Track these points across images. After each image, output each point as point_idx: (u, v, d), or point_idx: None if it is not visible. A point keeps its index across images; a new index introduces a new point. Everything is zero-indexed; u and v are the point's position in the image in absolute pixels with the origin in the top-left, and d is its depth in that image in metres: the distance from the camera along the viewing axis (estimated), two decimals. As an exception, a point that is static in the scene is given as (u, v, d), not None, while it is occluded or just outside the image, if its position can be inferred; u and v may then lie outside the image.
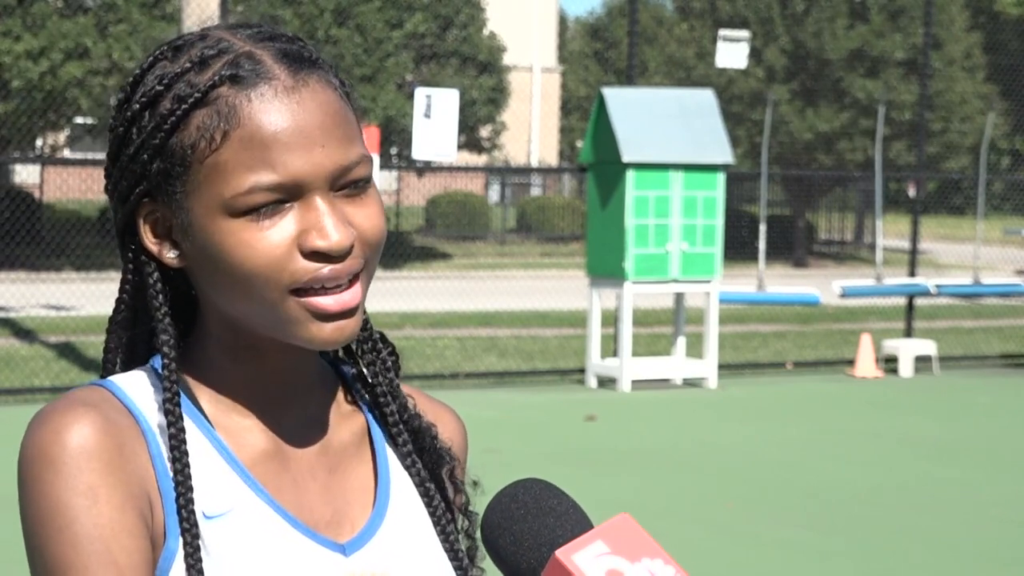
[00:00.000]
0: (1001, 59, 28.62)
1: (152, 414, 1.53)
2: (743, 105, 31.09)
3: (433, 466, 1.66)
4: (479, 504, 1.68)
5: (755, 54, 29.55)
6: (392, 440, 1.65)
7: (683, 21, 34.23)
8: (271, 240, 1.49)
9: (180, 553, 1.48)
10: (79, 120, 25.76)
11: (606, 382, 14.02)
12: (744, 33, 15.91)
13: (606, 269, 13.74)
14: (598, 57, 46.14)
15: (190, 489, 1.48)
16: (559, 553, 1.36)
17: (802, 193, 32.88)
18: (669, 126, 13.82)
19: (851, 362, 15.69)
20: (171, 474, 1.50)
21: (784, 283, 21.75)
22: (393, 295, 18.63)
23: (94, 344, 15.38)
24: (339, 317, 1.51)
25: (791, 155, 31.78)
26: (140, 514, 1.48)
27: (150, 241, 1.56)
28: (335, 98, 1.54)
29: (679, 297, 14.31)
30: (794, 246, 32.56)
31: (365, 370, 1.66)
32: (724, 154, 13.94)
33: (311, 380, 1.62)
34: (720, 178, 13.99)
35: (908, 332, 16.56)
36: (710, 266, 13.91)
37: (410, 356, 15.22)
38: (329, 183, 1.51)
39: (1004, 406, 13.73)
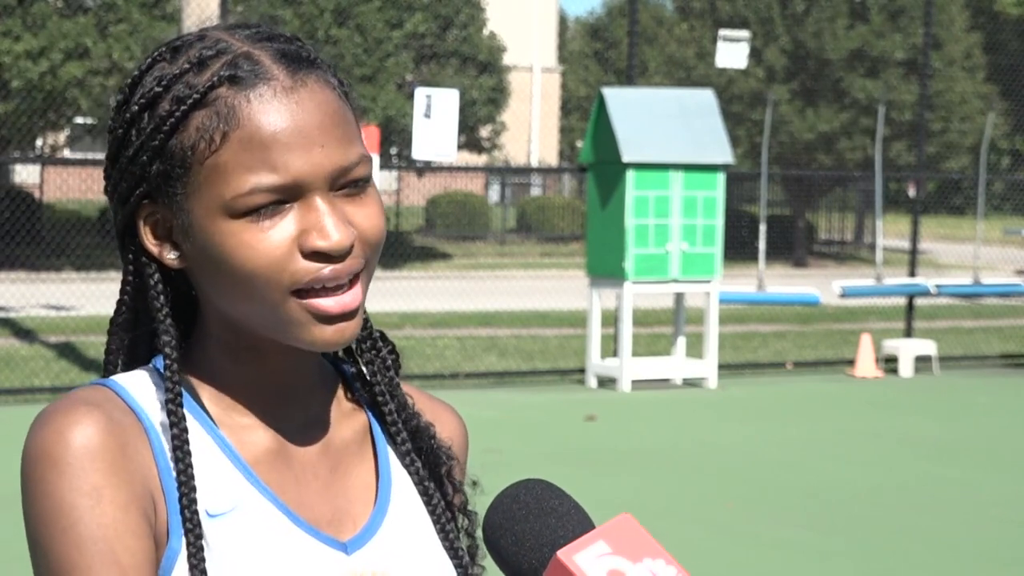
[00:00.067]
0: (1001, 59, 28.63)
1: (155, 413, 1.53)
2: (743, 105, 31.09)
3: (432, 465, 1.66)
4: (479, 504, 1.68)
5: (755, 54, 29.55)
6: (391, 439, 1.65)
7: (683, 21, 34.24)
8: (272, 241, 1.49)
9: (183, 552, 1.49)
10: (79, 120, 25.76)
11: (606, 382, 14.02)
12: (744, 33, 15.91)
13: (606, 269, 13.74)
14: (598, 57, 46.14)
15: (193, 489, 1.49)
16: (561, 553, 1.36)
17: (802, 193, 32.88)
18: (669, 126, 13.82)
19: (851, 362, 15.69)
20: (174, 473, 1.50)
21: (784, 283, 21.75)
22: (393, 295, 18.63)
23: (94, 344, 15.38)
24: (340, 319, 1.52)
25: (791, 155, 31.78)
26: (144, 514, 1.48)
27: (150, 242, 1.56)
28: (334, 98, 1.54)
29: (679, 297, 14.31)
30: (794, 246, 32.56)
31: (364, 369, 1.66)
32: (724, 154, 13.94)
33: (312, 379, 1.62)
34: (720, 178, 13.99)
35: (908, 332, 16.56)
36: (710, 266, 13.91)
37: (410, 356, 15.22)
38: (329, 183, 1.51)
39: (1004, 406, 13.73)
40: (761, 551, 8.09)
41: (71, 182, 30.89)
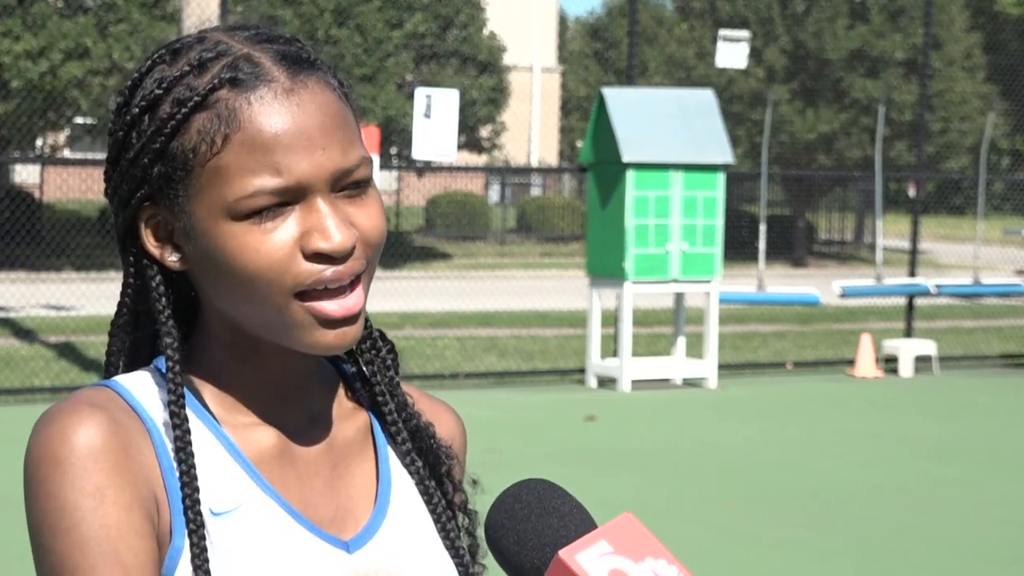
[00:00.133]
0: (1001, 59, 28.63)
1: (157, 413, 1.53)
2: (743, 105, 31.09)
3: (433, 465, 1.67)
4: (479, 503, 1.69)
5: (755, 54, 29.55)
6: (392, 439, 1.65)
7: (683, 21, 34.23)
8: (274, 242, 1.50)
9: (187, 551, 1.49)
10: (79, 120, 25.76)
11: (606, 382, 14.02)
12: (744, 33, 15.91)
13: (606, 269, 13.74)
14: (598, 57, 46.13)
15: (196, 489, 1.49)
16: (562, 553, 1.36)
17: (802, 193, 32.88)
18: (669, 126, 13.82)
19: (851, 362, 15.70)
20: (177, 473, 1.50)
21: (784, 283, 21.75)
22: (393, 295, 18.63)
23: (94, 344, 15.38)
24: (343, 323, 1.52)
25: (791, 155, 31.78)
26: (147, 514, 1.48)
27: (152, 245, 1.56)
28: (334, 99, 1.54)
29: (679, 297, 14.31)
30: (794, 246, 32.56)
31: (365, 369, 1.66)
32: (724, 154, 13.94)
33: (312, 380, 1.62)
34: (720, 178, 14.00)
35: (908, 332, 16.56)
36: (710, 266, 13.91)
37: (410, 356, 15.22)
38: (330, 185, 1.51)
39: (1004, 406, 13.73)
40: (761, 551, 8.09)
41: (71, 182, 30.89)
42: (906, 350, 15.54)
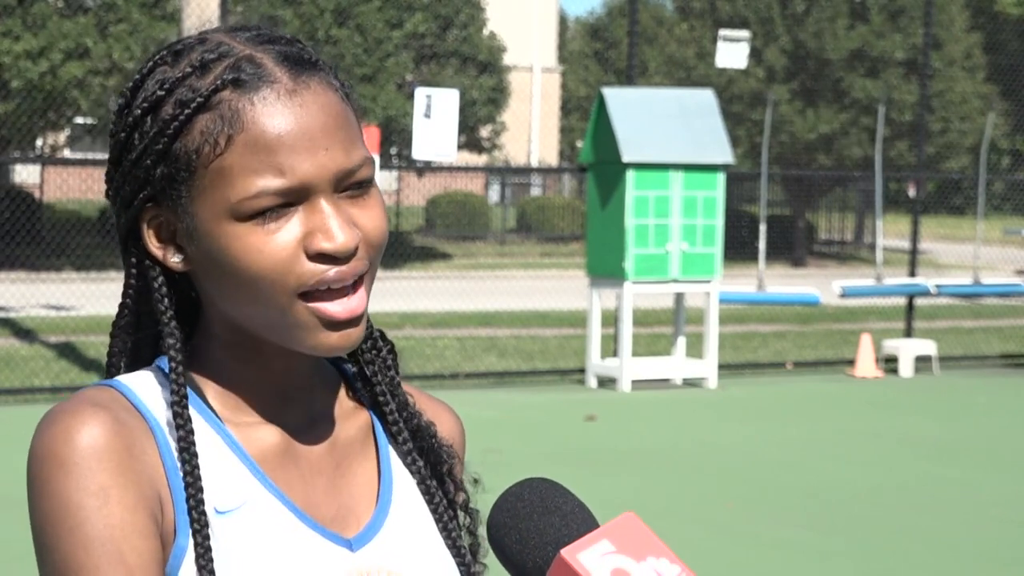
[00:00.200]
0: (1001, 59, 28.63)
1: (161, 412, 1.54)
2: (743, 105, 31.09)
3: (434, 464, 1.67)
4: (480, 502, 1.69)
5: (755, 54, 29.55)
6: (393, 438, 1.66)
7: (683, 21, 34.23)
8: (277, 243, 1.50)
9: (191, 550, 1.49)
10: (79, 120, 25.76)
11: (606, 382, 14.02)
12: (744, 33, 15.91)
13: (606, 269, 13.74)
14: (598, 57, 46.13)
15: (200, 489, 1.49)
16: (565, 552, 1.37)
17: (802, 193, 32.88)
18: (669, 126, 13.82)
19: (851, 362, 15.70)
20: (181, 473, 1.51)
21: (784, 283, 21.75)
22: (393, 295, 18.63)
23: (94, 344, 15.38)
24: (347, 325, 1.52)
25: (791, 155, 31.78)
26: (151, 514, 1.48)
27: (154, 246, 1.57)
28: (336, 100, 1.54)
29: (679, 297, 14.31)
30: (794, 246, 32.56)
31: (365, 369, 1.67)
32: (724, 154, 13.94)
33: (313, 380, 1.63)
34: (720, 178, 14.00)
35: (908, 332, 16.56)
36: (710, 266, 13.91)
37: (410, 356, 15.22)
38: (333, 185, 1.52)
39: (1004, 406, 13.73)
40: (761, 551, 8.09)
41: (71, 182, 30.89)
42: (906, 350, 15.54)
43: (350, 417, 1.65)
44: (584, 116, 40.21)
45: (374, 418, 1.67)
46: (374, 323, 1.67)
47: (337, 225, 1.51)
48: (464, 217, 33.73)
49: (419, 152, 13.22)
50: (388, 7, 26.60)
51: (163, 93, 1.53)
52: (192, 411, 1.55)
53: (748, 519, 8.76)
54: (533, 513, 1.46)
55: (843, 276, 25.84)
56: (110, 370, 1.63)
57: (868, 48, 31.33)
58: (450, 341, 17.04)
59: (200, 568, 1.48)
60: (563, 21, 54.60)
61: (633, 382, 13.83)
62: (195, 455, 1.50)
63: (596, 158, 13.87)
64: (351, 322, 1.53)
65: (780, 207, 34.95)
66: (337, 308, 1.52)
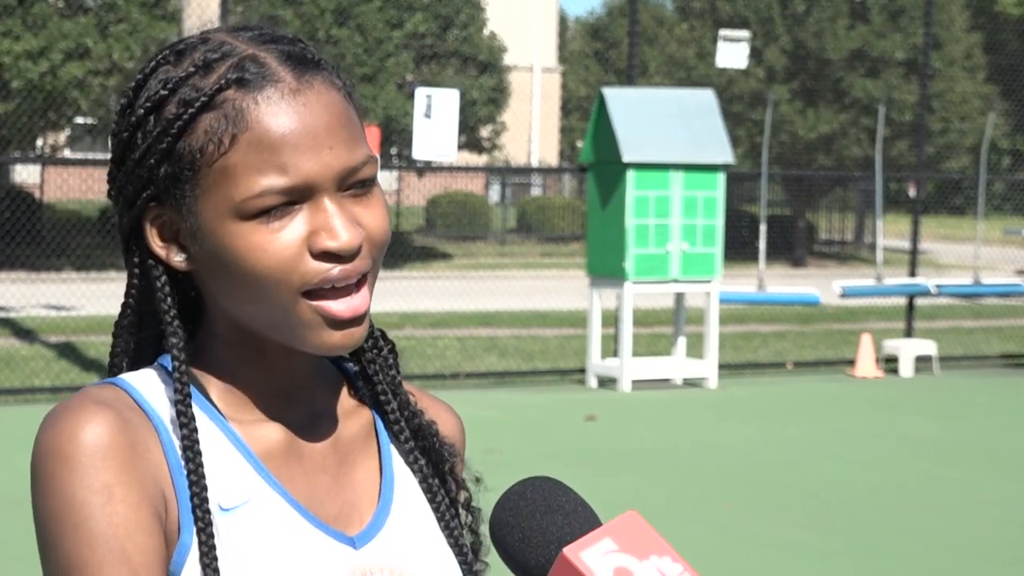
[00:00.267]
0: (1001, 59, 28.62)
1: (164, 410, 1.54)
2: (743, 105, 31.08)
3: (435, 462, 1.68)
4: (481, 502, 1.69)
5: (755, 54, 29.55)
6: (395, 437, 1.66)
7: (683, 21, 34.23)
8: (282, 242, 1.50)
9: (194, 548, 1.49)
10: (79, 120, 25.76)
11: (606, 382, 14.03)
12: (744, 33, 15.92)
13: (606, 269, 13.74)
14: (598, 57, 46.13)
15: (204, 488, 1.50)
16: (567, 550, 1.37)
17: (802, 193, 32.88)
18: (669, 126, 13.82)
19: (851, 362, 15.70)
20: (185, 471, 1.51)
21: (784, 283, 21.75)
22: (393, 295, 18.63)
23: (95, 344, 15.38)
24: (350, 324, 1.53)
25: (791, 155, 31.78)
26: (154, 511, 1.49)
27: (157, 245, 1.57)
28: (340, 99, 1.55)
29: (679, 297, 14.31)
30: (794, 246, 32.56)
31: (367, 368, 1.67)
32: (724, 154, 13.94)
33: (315, 379, 1.63)
34: (720, 178, 14.00)
35: (908, 332, 16.56)
36: (710, 266, 13.91)
37: (411, 356, 15.22)
38: (337, 184, 1.52)
39: (1004, 406, 13.73)
40: (761, 551, 8.09)
41: (71, 182, 30.90)
42: (906, 350, 15.54)
43: (352, 415, 1.65)
44: (584, 116, 40.21)
45: (376, 417, 1.67)
46: (375, 323, 1.68)
47: (341, 224, 1.51)
48: (464, 217, 33.73)
49: (419, 152, 13.22)
50: (388, 7, 26.60)
51: (166, 92, 1.53)
52: (196, 408, 1.55)
53: (748, 519, 8.76)
54: (536, 511, 1.46)
55: (843, 276, 25.84)
56: (112, 370, 1.63)
57: (868, 48, 31.33)
58: (450, 341, 17.04)
59: (204, 566, 1.48)
60: (563, 21, 54.60)
61: (633, 382, 13.83)
62: (199, 453, 1.50)
63: (596, 158, 13.87)
64: (354, 321, 1.53)
65: (780, 207, 34.94)
66: (341, 306, 1.52)
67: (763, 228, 15.71)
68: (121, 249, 1.61)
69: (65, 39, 22.23)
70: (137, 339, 1.63)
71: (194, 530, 1.49)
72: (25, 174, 32.15)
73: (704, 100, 14.27)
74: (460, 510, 1.69)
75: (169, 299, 1.56)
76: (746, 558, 7.94)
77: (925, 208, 20.25)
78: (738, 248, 23.07)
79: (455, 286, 21.83)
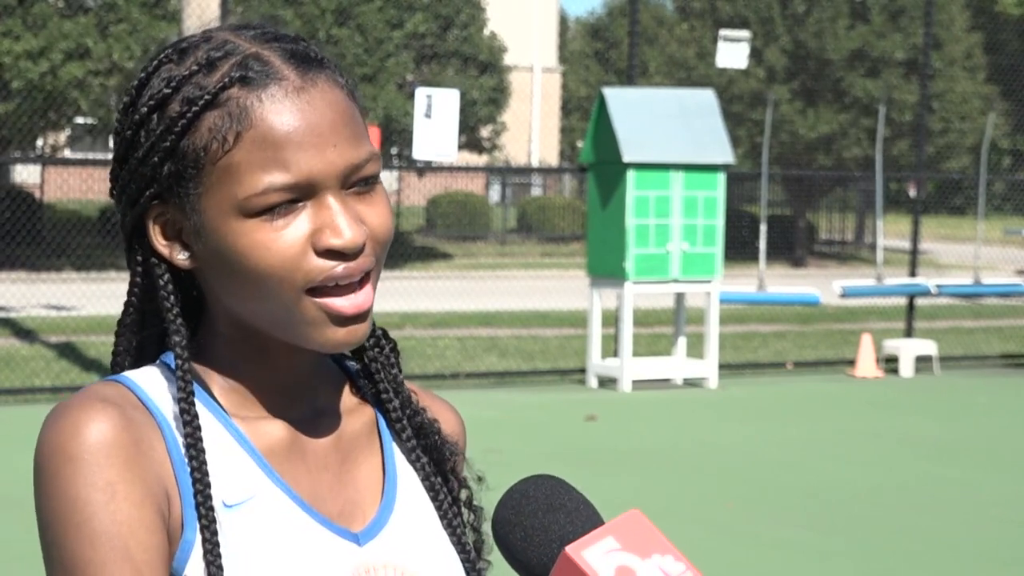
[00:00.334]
0: (1002, 59, 28.62)
1: (168, 407, 1.54)
2: (743, 105, 31.09)
3: (438, 461, 1.68)
4: (483, 501, 1.69)
5: (756, 54, 29.55)
6: (397, 435, 1.66)
7: (683, 21, 34.24)
8: (285, 240, 1.50)
9: (198, 545, 1.49)
10: (79, 120, 25.76)
11: (606, 382, 14.03)
12: (745, 33, 15.92)
13: (606, 269, 13.74)
14: (599, 57, 46.13)
15: (208, 485, 1.50)
16: (569, 549, 1.37)
17: (803, 193, 32.88)
18: (669, 126, 13.82)
19: (851, 362, 15.70)
20: (188, 468, 1.51)
21: (784, 283, 21.75)
22: (394, 295, 18.63)
23: (95, 344, 15.38)
24: (353, 321, 1.53)
25: (792, 155, 31.78)
26: (158, 509, 1.49)
27: (160, 243, 1.57)
28: (343, 97, 1.55)
29: (679, 297, 14.31)
30: (794, 246, 32.56)
31: (369, 366, 1.67)
32: (724, 154, 13.94)
33: (317, 378, 1.64)
34: (720, 178, 14.00)
35: (908, 332, 16.56)
36: (710, 266, 13.91)
37: (411, 356, 15.22)
38: (341, 181, 1.52)
39: (1004, 406, 13.73)
40: (761, 551, 8.09)
41: (71, 182, 30.90)
42: (906, 350, 15.54)
43: (354, 413, 1.65)
44: (584, 116, 40.21)
45: (378, 415, 1.67)
46: (375, 323, 1.68)
47: (345, 222, 1.51)
48: (465, 217, 33.73)
49: (420, 152, 13.22)
50: (389, 7, 26.60)
51: (169, 91, 1.53)
52: (199, 405, 1.55)
53: (748, 519, 8.76)
54: (538, 510, 1.46)
55: (843, 276, 25.84)
56: (115, 368, 1.63)
57: (868, 48, 31.33)
58: (451, 341, 17.04)
59: (208, 563, 1.48)
60: (563, 21, 54.61)
61: (633, 382, 13.83)
62: (202, 450, 1.50)
63: (597, 158, 13.87)
64: (358, 318, 1.53)
65: (780, 207, 34.94)
66: (344, 303, 1.52)
67: (763, 228, 15.72)
68: (123, 248, 1.61)
69: (65, 39, 22.23)
70: (140, 338, 1.63)
71: (197, 527, 1.49)
72: (25, 174, 32.15)
73: (704, 100, 14.27)
74: (462, 508, 1.69)
75: (172, 297, 1.56)
76: (746, 558, 7.94)
77: (925, 208, 20.25)
78: (738, 248, 23.07)
79: (455, 286, 21.83)
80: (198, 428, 1.51)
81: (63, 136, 27.52)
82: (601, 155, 13.80)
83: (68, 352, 15.14)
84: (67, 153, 29.22)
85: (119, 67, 22.40)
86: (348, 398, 1.66)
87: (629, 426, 11.98)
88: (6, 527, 7.90)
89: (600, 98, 13.91)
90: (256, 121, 1.50)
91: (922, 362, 15.66)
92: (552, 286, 21.86)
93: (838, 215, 37.70)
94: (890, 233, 24.35)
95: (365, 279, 1.54)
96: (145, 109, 1.54)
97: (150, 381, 1.56)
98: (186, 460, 1.51)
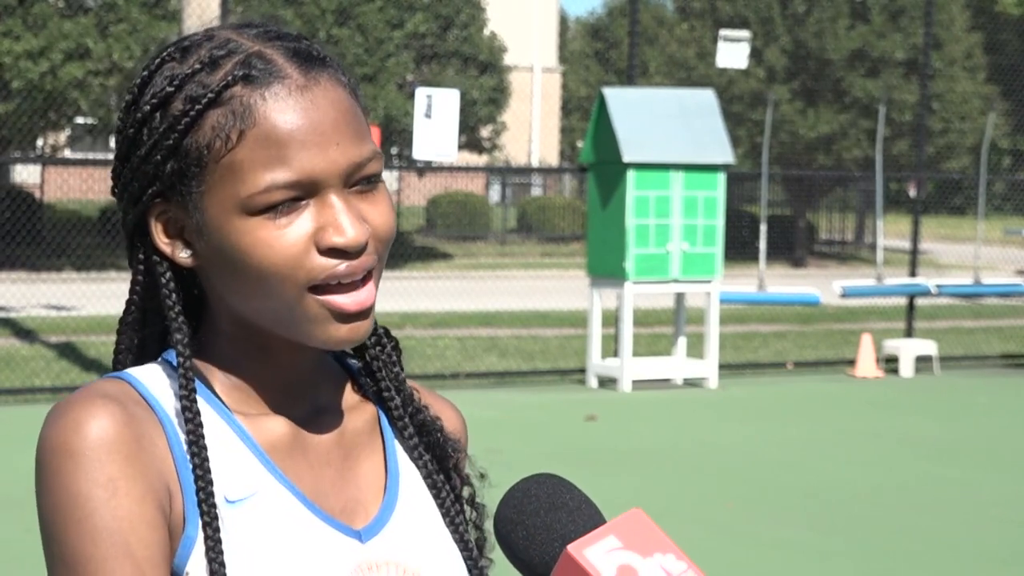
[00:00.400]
0: (1002, 59, 28.63)
1: (170, 404, 1.54)
2: (744, 105, 31.09)
3: (440, 458, 1.68)
4: (486, 499, 1.69)
5: (756, 54, 29.55)
6: (398, 432, 1.66)
7: (683, 21, 34.24)
8: (288, 238, 1.51)
9: (199, 541, 1.50)
10: (79, 120, 25.76)
11: (606, 382, 14.03)
12: (745, 33, 15.92)
13: (607, 269, 13.74)
14: (599, 57, 46.14)
15: (210, 482, 1.50)
16: (571, 548, 1.37)
17: (803, 193, 32.88)
18: (669, 126, 13.82)
19: (851, 362, 15.70)
20: (190, 465, 1.51)
21: (784, 283, 21.75)
22: (394, 295, 18.63)
23: (95, 344, 15.38)
24: (356, 318, 1.53)
25: (792, 155, 31.79)
26: (159, 505, 1.49)
27: (162, 241, 1.57)
28: (345, 96, 1.55)
29: (679, 297, 14.31)
30: (795, 246, 32.57)
31: (371, 364, 1.67)
32: (724, 154, 13.94)
33: (318, 375, 1.64)
34: (721, 178, 14.00)
35: (909, 332, 16.56)
36: (711, 266, 13.91)
37: (411, 356, 15.22)
38: (343, 180, 1.53)
39: (1004, 406, 13.73)
40: (761, 551, 8.10)
41: (72, 182, 30.90)
42: (907, 350, 15.54)
43: (356, 411, 1.66)
44: (585, 116, 40.22)
45: (380, 412, 1.67)
46: (376, 322, 1.68)
47: (348, 220, 1.52)
48: (465, 217, 33.73)
49: (420, 152, 13.22)
50: (389, 7, 26.61)
51: (172, 89, 1.53)
52: (201, 402, 1.55)
53: (748, 519, 8.76)
54: (540, 509, 1.46)
55: (843, 276, 25.85)
56: (117, 366, 1.63)
57: (868, 48, 31.34)
58: (451, 341, 17.04)
59: (210, 560, 1.48)
60: (563, 21, 54.62)
61: (634, 382, 13.83)
62: (204, 446, 1.51)
63: (597, 158, 13.87)
64: (360, 314, 1.54)
65: (781, 207, 34.95)
66: (347, 300, 1.53)
67: (763, 228, 15.72)
68: (124, 246, 1.61)
69: (65, 39, 22.23)
70: (141, 336, 1.63)
71: (199, 523, 1.49)
72: (25, 174, 32.15)
73: (704, 100, 14.27)
74: (464, 506, 1.69)
75: (174, 295, 1.57)
76: (746, 558, 7.94)
77: (925, 208, 20.25)
78: (738, 248, 23.07)
79: (455, 286, 21.83)
80: (200, 424, 1.51)
81: (63, 136, 27.52)
82: (601, 155, 13.80)
83: (68, 352, 15.14)
84: (67, 153, 29.22)
85: (119, 67, 22.40)
86: (350, 396, 1.66)
87: (629, 426, 11.98)
88: (6, 527, 7.89)
89: (600, 98, 13.91)
90: (259, 119, 1.50)
91: (922, 362, 15.66)
92: (552, 286, 21.86)
93: (838, 215, 37.70)
94: (890, 233, 24.35)
95: (367, 277, 1.54)
96: (148, 107, 1.55)
97: (152, 378, 1.56)
98: (188, 456, 1.51)
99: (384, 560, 1.57)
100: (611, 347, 14.52)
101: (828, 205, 37.38)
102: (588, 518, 1.46)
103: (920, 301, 17.29)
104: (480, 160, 31.23)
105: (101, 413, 1.48)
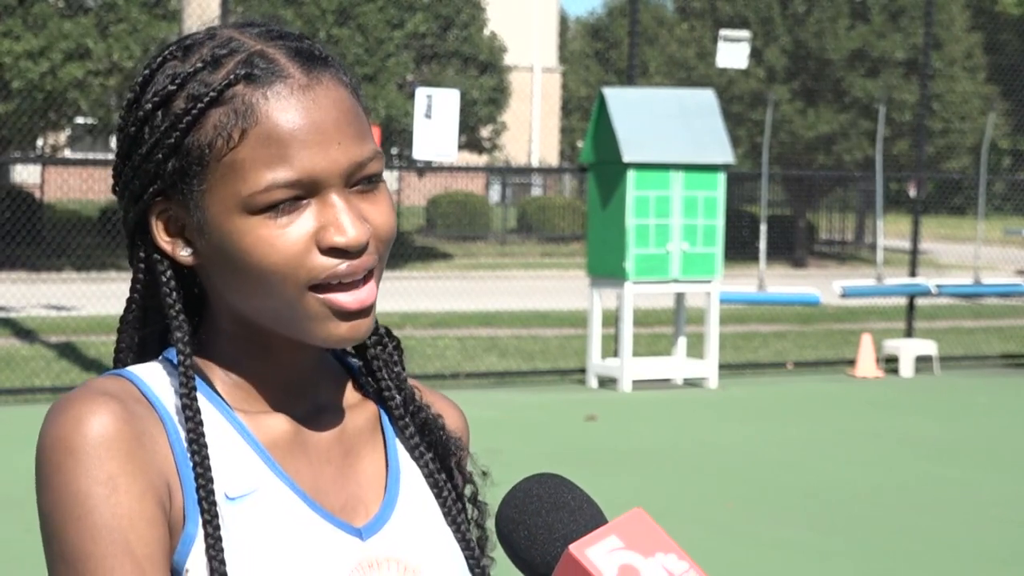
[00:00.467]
0: (1002, 59, 28.63)
1: (170, 401, 1.54)
2: (744, 105, 31.09)
3: (442, 456, 1.68)
4: (487, 498, 1.69)
5: (756, 54, 29.55)
6: (399, 431, 1.66)
7: (683, 21, 34.24)
8: (289, 237, 1.51)
9: (200, 539, 1.50)
10: (79, 120, 25.76)
11: (606, 382, 14.02)
12: (745, 33, 15.91)
13: (607, 269, 13.74)
14: (599, 57, 46.13)
15: (210, 480, 1.50)
16: (573, 547, 1.37)
17: (803, 193, 32.89)
18: (669, 126, 13.82)
19: (851, 362, 15.69)
20: (191, 462, 1.51)
21: (784, 283, 21.75)
22: (394, 295, 18.63)
23: (95, 344, 15.39)
24: (356, 316, 1.53)
25: (792, 155, 31.79)
26: (159, 502, 1.49)
27: (163, 240, 1.57)
28: (347, 95, 1.55)
29: (680, 297, 14.31)
30: (795, 246, 32.57)
31: (372, 363, 1.67)
32: (725, 154, 13.94)
33: (319, 374, 1.64)
34: (721, 178, 14.00)
35: (909, 332, 16.56)
36: (711, 266, 13.91)
37: (411, 356, 15.22)
38: (345, 179, 1.53)
39: (1004, 406, 13.73)
40: (761, 551, 8.09)
41: (72, 182, 30.90)
42: (907, 350, 15.54)
43: (357, 409, 1.66)
44: (585, 116, 40.22)
45: (381, 411, 1.67)
46: (377, 322, 1.68)
47: (349, 220, 1.52)
48: (465, 217, 33.73)
49: (420, 152, 13.22)
50: (389, 7, 26.61)
51: (174, 88, 1.54)
52: (202, 399, 1.56)
53: (748, 519, 8.76)
54: (542, 508, 1.46)
55: (844, 276, 25.84)
56: (117, 365, 1.63)
57: (868, 48, 31.33)
58: (451, 341, 17.04)
59: (211, 557, 1.48)
60: (564, 21, 54.61)
61: (634, 382, 13.83)
62: (204, 444, 1.51)
63: (597, 158, 13.87)
64: (361, 313, 1.54)
65: (781, 207, 34.95)
66: (348, 298, 1.53)
67: (763, 228, 15.72)
68: (125, 246, 1.61)
69: (65, 39, 22.23)
70: (142, 334, 1.63)
71: (199, 520, 1.50)
72: (25, 174, 32.15)
73: (704, 100, 14.27)
74: (466, 504, 1.69)
75: (174, 293, 1.57)
76: (746, 558, 7.94)
77: (925, 208, 20.25)
78: (738, 248, 23.07)
79: (455, 286, 21.83)
80: (200, 421, 1.51)
81: (63, 136, 27.52)
82: (601, 155, 13.80)
83: (68, 352, 15.14)
84: (67, 153, 29.22)
85: (119, 67, 22.40)
86: (351, 394, 1.66)
87: (629, 426, 11.98)
88: (6, 527, 7.89)
89: (600, 98, 13.91)
90: (261, 118, 1.51)
91: (922, 362, 15.66)
92: (552, 286, 21.86)
93: (838, 215, 37.70)
94: (890, 233, 24.35)
95: (368, 276, 1.54)
96: (150, 106, 1.55)
97: (152, 375, 1.56)
98: (188, 453, 1.51)
99: (384, 558, 1.57)
100: (611, 347, 14.52)
101: (828, 205, 37.38)
102: (590, 518, 1.45)
103: (920, 301, 17.29)
104: (480, 160, 31.22)
105: (101, 410, 1.48)
